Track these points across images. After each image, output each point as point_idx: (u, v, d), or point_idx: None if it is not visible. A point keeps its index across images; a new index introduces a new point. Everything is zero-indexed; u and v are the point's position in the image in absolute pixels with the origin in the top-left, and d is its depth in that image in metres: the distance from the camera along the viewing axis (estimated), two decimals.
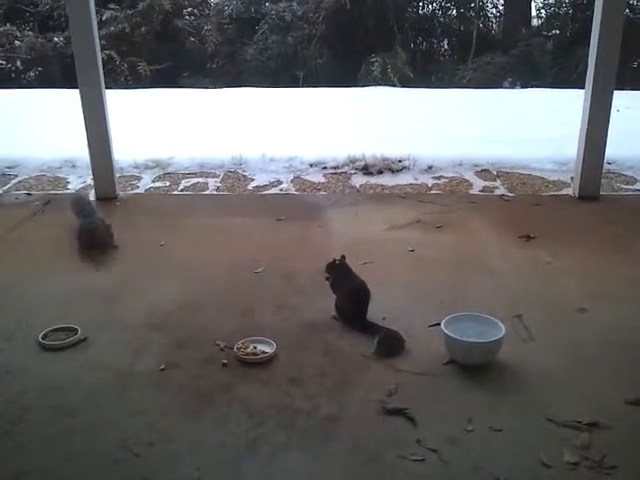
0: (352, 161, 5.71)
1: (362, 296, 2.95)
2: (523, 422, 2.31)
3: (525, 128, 6.90)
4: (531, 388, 2.50)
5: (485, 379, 2.54)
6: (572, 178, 4.96)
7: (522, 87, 11.69)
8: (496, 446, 2.19)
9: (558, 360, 2.68)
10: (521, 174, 5.47)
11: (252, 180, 5.47)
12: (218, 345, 2.79)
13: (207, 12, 13.82)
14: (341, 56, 12.88)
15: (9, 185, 5.40)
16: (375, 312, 2.95)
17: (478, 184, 5.25)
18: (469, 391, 2.48)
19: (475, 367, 2.59)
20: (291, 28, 12.98)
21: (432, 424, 2.29)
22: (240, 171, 5.67)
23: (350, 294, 2.97)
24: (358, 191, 5.21)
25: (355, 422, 2.33)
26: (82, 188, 5.25)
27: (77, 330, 2.89)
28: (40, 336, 2.85)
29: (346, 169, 5.65)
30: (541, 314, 3.03)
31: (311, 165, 5.73)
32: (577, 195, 4.72)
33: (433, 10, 14.77)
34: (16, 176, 5.61)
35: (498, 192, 5.05)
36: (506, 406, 2.39)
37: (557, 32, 14.25)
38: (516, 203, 4.72)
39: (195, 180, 5.49)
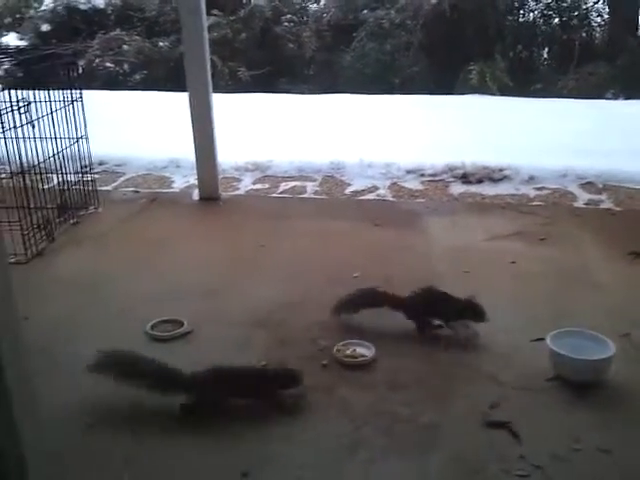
0: (451, 169, 5.64)
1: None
2: (633, 444, 2.22)
3: (631, 141, 6.62)
4: None
5: (592, 398, 2.46)
6: None
7: (625, 98, 11.25)
8: (604, 467, 2.12)
9: None
10: (628, 188, 5.26)
11: (349, 185, 5.50)
12: (318, 345, 2.81)
13: (306, 19, 14.00)
14: (438, 64, 12.76)
15: (117, 182, 5.64)
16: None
17: (583, 197, 5.09)
18: (575, 409, 2.41)
19: (581, 385, 2.51)
20: (389, 35, 12.97)
21: (536, 440, 2.24)
22: (337, 176, 5.71)
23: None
24: (457, 199, 5.14)
25: (456, 432, 2.31)
26: (186, 187, 5.42)
27: (183, 323, 2.99)
28: (148, 327, 2.97)
29: (444, 177, 5.59)
30: None
31: (408, 172, 5.70)
32: None
33: (534, 18, 14.42)
34: (124, 174, 5.86)
35: (604, 206, 4.88)
36: (615, 427, 2.31)
37: None
38: (623, 218, 4.54)
39: (293, 183, 5.57)
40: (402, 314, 2.96)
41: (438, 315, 2.92)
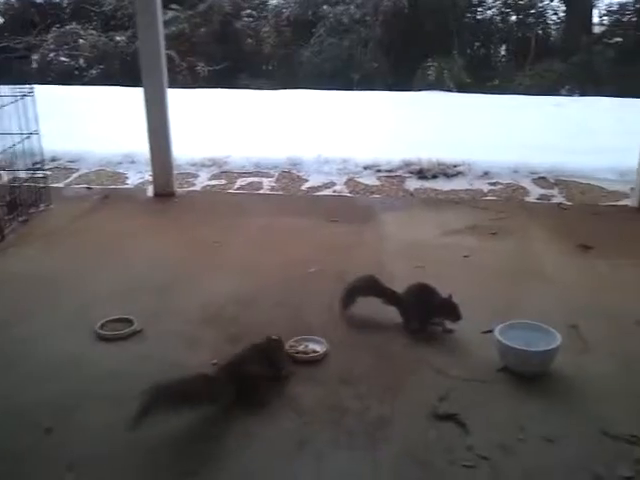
0: (407, 165, 5.70)
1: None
2: (577, 433, 2.27)
3: (584, 137, 6.77)
4: (586, 399, 2.46)
5: (539, 388, 2.51)
6: (632, 189, 4.84)
7: (580, 95, 11.48)
8: (548, 456, 2.16)
9: (614, 372, 2.62)
10: (579, 183, 5.38)
11: (306, 181, 5.51)
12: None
13: (265, 14, 13.96)
14: (397, 60, 12.86)
15: (70, 179, 5.56)
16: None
17: (535, 192, 5.18)
18: (522, 399, 2.45)
19: (529, 376, 2.55)
20: (348, 31, 13.01)
21: (483, 431, 2.27)
22: (294, 171, 5.72)
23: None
24: (412, 195, 5.19)
25: (405, 425, 2.33)
26: (140, 184, 5.36)
27: (133, 321, 2.96)
28: (98, 326, 2.93)
29: (400, 172, 5.64)
30: (598, 325, 2.97)
31: (365, 168, 5.74)
32: (637, 206, 4.60)
33: (492, 16, 14.61)
34: (77, 170, 5.78)
35: (555, 200, 4.98)
36: (560, 416, 2.35)
37: (620, 40, 13.92)
38: (574, 212, 4.63)
39: (250, 179, 5.56)
40: (396, 310, 2.97)
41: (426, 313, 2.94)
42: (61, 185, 5.31)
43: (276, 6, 14.13)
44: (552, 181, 5.41)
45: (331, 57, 12.76)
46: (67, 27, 13.12)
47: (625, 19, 14.00)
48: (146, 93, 4.62)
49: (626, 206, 4.78)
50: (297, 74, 12.52)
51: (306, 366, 2.67)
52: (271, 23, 13.51)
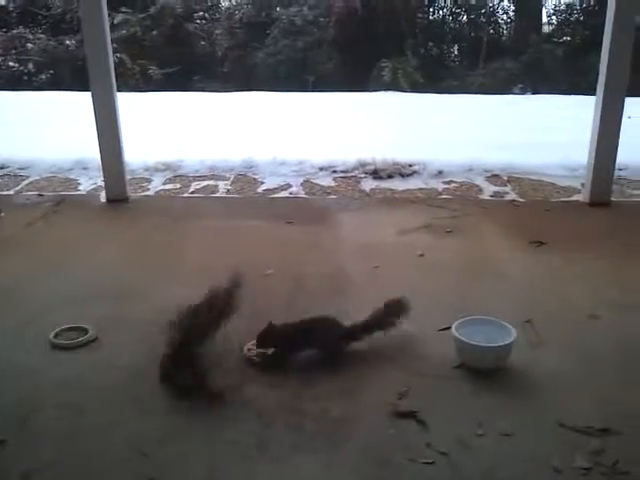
0: (362, 165, 5.72)
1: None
2: (534, 427, 2.29)
3: (536, 134, 6.90)
4: (542, 393, 2.49)
5: (495, 383, 2.53)
6: (583, 184, 4.94)
7: (532, 93, 11.69)
8: (506, 450, 2.18)
9: (569, 365, 2.66)
10: (532, 180, 5.46)
11: (262, 183, 5.49)
12: (227, 344, 2.79)
13: (218, 16, 13.89)
14: (351, 61, 12.92)
15: (21, 186, 5.44)
16: None
17: (489, 189, 5.25)
18: (479, 395, 2.47)
19: (485, 371, 2.58)
20: (301, 32, 13.02)
21: (442, 427, 2.28)
22: (250, 174, 5.69)
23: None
24: (368, 195, 5.21)
25: (365, 424, 2.33)
26: (93, 190, 5.27)
27: (87, 330, 2.90)
28: (51, 335, 2.86)
29: (356, 173, 5.66)
30: (552, 320, 3.02)
31: (321, 169, 5.74)
32: (588, 201, 4.70)
33: (444, 16, 14.79)
34: (27, 177, 5.65)
35: (509, 197, 5.05)
36: (517, 410, 2.38)
37: (568, 39, 14.23)
38: (527, 208, 4.71)
39: (205, 183, 5.51)
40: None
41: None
42: (11, 193, 5.19)
43: (228, 8, 14.07)
44: (505, 178, 5.49)
45: (285, 59, 12.76)
46: (14, 31, 12.84)
47: (573, 18, 14.31)
48: (95, 98, 4.55)
49: (577, 201, 4.88)
50: (251, 76, 12.49)
51: (264, 369, 2.65)
52: (224, 25, 13.44)
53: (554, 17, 14.59)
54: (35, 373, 2.65)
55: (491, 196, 5.11)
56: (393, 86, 11.69)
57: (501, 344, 2.58)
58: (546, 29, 14.70)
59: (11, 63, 12.27)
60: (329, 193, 5.25)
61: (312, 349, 2.70)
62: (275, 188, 5.36)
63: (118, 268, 3.64)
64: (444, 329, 2.80)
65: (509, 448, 2.19)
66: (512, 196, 5.09)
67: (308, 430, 2.30)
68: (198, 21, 13.55)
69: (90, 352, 2.80)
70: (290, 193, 5.24)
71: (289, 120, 7.87)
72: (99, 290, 3.35)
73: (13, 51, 12.43)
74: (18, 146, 6.16)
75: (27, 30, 12.89)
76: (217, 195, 5.23)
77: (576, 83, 11.32)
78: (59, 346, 2.83)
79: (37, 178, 5.62)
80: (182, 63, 12.74)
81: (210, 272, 3.55)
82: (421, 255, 3.75)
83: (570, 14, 14.28)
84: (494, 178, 5.50)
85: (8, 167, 5.76)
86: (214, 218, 4.46)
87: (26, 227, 4.26)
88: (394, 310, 2.81)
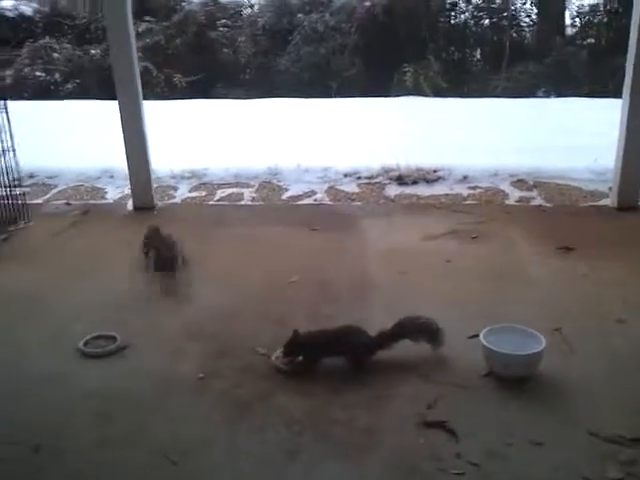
0: (386, 171, 5.70)
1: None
2: (565, 436, 2.27)
3: (561, 138, 6.82)
4: (573, 401, 2.47)
5: (525, 392, 2.52)
6: (610, 188, 4.88)
7: (556, 96, 11.58)
8: (537, 460, 2.16)
9: (599, 373, 2.64)
10: (558, 184, 5.41)
11: (286, 190, 5.50)
12: (258, 352, 2.80)
13: (240, 24, 13.94)
14: (373, 66, 12.89)
15: (49, 195, 5.51)
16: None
17: (514, 194, 5.21)
18: (509, 404, 2.45)
19: (515, 380, 2.56)
20: (323, 39, 13.03)
21: (472, 437, 2.27)
22: (275, 181, 5.70)
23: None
24: (392, 201, 5.20)
25: (394, 434, 2.32)
26: (120, 198, 5.33)
27: (116, 338, 2.93)
28: (81, 343, 2.90)
29: (380, 179, 5.64)
30: (581, 326, 2.99)
31: (345, 175, 5.73)
32: (616, 205, 4.65)
33: (465, 20, 14.71)
34: (56, 186, 5.72)
35: (535, 202, 5.00)
36: (547, 420, 2.36)
37: (592, 41, 14.08)
38: (553, 214, 4.66)
39: (230, 190, 5.53)
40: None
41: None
42: (40, 202, 5.25)
43: (250, 15, 14.14)
44: (531, 183, 5.44)
45: (308, 65, 12.77)
46: (40, 41, 13.02)
47: (596, 20, 14.16)
48: (121, 106, 4.60)
49: (605, 206, 4.82)
50: (274, 83, 12.51)
51: (293, 377, 2.66)
52: (246, 32, 13.50)
53: (577, 19, 14.46)
54: (66, 381, 2.69)
55: (517, 201, 5.07)
56: (415, 91, 11.64)
57: (531, 352, 2.56)
58: (569, 31, 14.57)
59: (38, 73, 12.44)
60: (354, 199, 5.25)
61: (339, 357, 2.70)
62: (300, 195, 5.37)
63: (145, 276, 3.67)
64: (472, 337, 2.79)
65: (540, 458, 2.18)
66: (538, 201, 5.04)
67: (337, 438, 2.31)
68: (221, 29, 13.62)
69: (119, 360, 2.83)
70: (315, 200, 5.24)
71: (312, 127, 7.88)
72: (127, 298, 3.39)
73: (40, 61, 12.61)
74: (46, 155, 6.23)
75: (53, 40, 13.07)
76: (242, 202, 5.25)
77: (602, 86, 11.20)
78: (89, 354, 2.86)
79: (65, 187, 5.69)
80: (205, 71, 12.82)
81: (236, 279, 3.59)
82: (448, 261, 3.73)
83: (594, 16, 14.14)
84: (519, 183, 5.45)
85: (37, 176, 5.84)
86: (239, 225, 4.48)
87: (55, 236, 4.31)
88: (426, 332, 2.77)
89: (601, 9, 14.06)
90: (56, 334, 3.04)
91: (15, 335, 3.06)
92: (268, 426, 2.37)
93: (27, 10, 13.95)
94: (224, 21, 13.80)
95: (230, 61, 13.37)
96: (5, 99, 4.24)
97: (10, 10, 13.83)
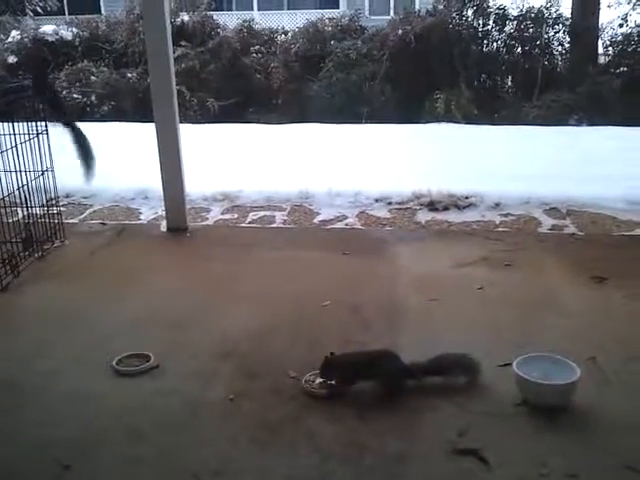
0: (417, 197, 5.71)
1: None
2: (599, 468, 2.24)
3: (594, 166, 6.78)
4: (607, 433, 2.43)
5: (559, 422, 2.48)
6: None
7: (589, 125, 11.51)
8: None
9: (634, 405, 2.59)
10: (591, 213, 5.36)
11: (318, 214, 5.53)
12: (289, 375, 2.81)
13: (274, 50, 14.14)
14: (405, 93, 12.95)
15: (84, 214, 5.61)
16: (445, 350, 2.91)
17: (547, 222, 5.17)
18: (542, 434, 2.42)
19: (548, 409, 2.53)
20: (355, 66, 13.15)
21: (504, 466, 2.24)
22: (306, 205, 5.74)
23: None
24: (423, 227, 5.20)
25: (424, 461, 2.30)
26: (153, 219, 5.40)
27: (150, 357, 2.96)
28: (114, 362, 2.93)
29: (411, 205, 5.65)
30: (615, 357, 2.94)
31: (376, 200, 5.75)
32: None
33: (497, 47, 14.74)
34: (91, 206, 5.83)
35: (568, 231, 4.96)
36: (581, 450, 2.33)
37: (625, 69, 14.00)
38: (587, 242, 4.61)
39: (262, 213, 5.58)
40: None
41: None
42: (76, 221, 5.35)
43: (284, 42, 14.32)
44: (564, 211, 5.41)
45: (340, 91, 12.87)
46: (79, 65, 13.33)
47: (630, 49, 14.09)
48: (158, 129, 4.67)
49: (639, 236, 4.76)
50: (306, 108, 12.61)
51: (323, 401, 2.66)
52: (279, 58, 13.68)
53: (610, 48, 14.41)
54: (98, 399, 2.71)
55: (550, 229, 5.03)
56: (447, 117, 11.67)
57: (566, 382, 2.53)
58: (602, 60, 14.52)
59: (75, 95, 12.71)
60: (384, 224, 5.26)
61: (372, 382, 2.69)
62: (331, 219, 5.40)
63: (178, 296, 3.71)
64: (504, 365, 2.76)
65: None
66: (571, 229, 5.00)
67: (367, 464, 2.29)
68: (254, 55, 13.82)
69: (151, 379, 2.86)
70: (346, 224, 5.26)
71: (344, 152, 7.93)
72: (160, 318, 3.42)
73: (77, 84, 12.89)
74: (81, 175, 6.33)
75: (91, 63, 13.38)
76: (274, 225, 5.29)
77: (635, 115, 11.11)
78: (121, 373, 2.89)
79: (100, 207, 5.80)
80: (238, 96, 12.99)
81: (268, 302, 3.60)
82: (480, 288, 3.71)
83: (627, 45, 14.08)
84: (553, 211, 5.42)
85: (73, 196, 5.95)
86: (271, 248, 4.51)
87: (89, 255, 4.38)
88: (462, 367, 2.77)
89: (635, 38, 13.99)
90: (89, 352, 3.08)
91: (49, 352, 3.10)
92: (297, 450, 2.37)
93: (67, 34, 14.31)
94: (258, 47, 14.00)
95: (263, 86, 13.53)
96: (46, 121, 4.34)
97: (50, 34, 14.20)
